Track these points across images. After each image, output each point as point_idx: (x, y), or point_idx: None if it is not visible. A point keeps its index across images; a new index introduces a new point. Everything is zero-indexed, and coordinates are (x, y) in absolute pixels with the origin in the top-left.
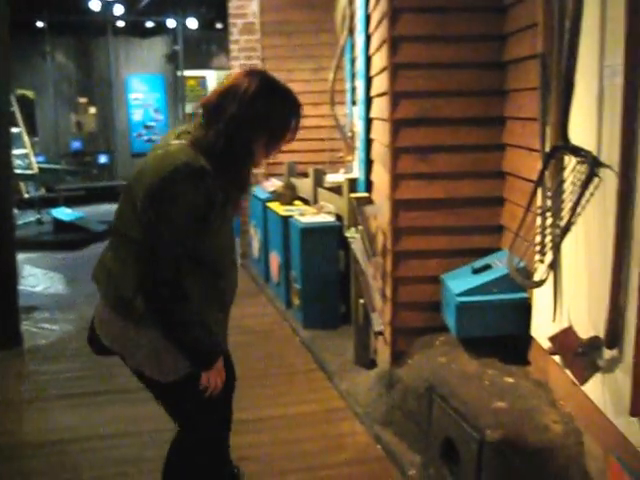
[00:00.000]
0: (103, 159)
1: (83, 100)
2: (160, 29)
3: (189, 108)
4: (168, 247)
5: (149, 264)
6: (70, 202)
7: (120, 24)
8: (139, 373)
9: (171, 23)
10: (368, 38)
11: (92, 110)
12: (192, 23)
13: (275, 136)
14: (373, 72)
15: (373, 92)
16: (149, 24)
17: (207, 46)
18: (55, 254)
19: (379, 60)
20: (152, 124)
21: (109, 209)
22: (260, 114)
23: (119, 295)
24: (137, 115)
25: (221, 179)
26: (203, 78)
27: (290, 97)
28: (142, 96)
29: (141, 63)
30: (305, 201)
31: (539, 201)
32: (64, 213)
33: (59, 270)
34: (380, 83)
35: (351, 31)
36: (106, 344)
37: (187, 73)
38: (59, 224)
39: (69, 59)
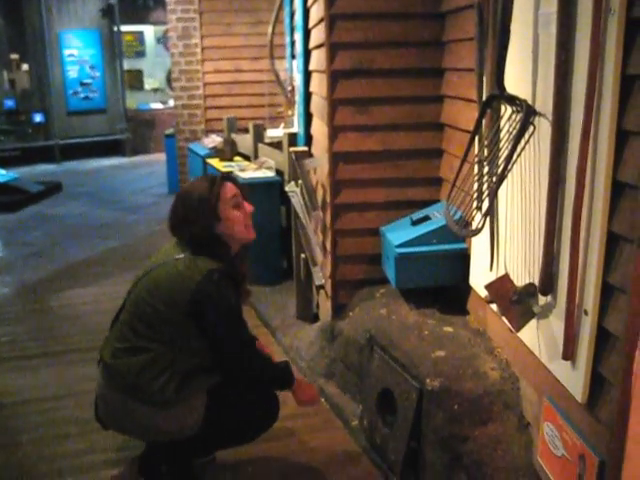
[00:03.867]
0: (38, 118)
1: (15, 57)
2: None
3: (127, 64)
4: (232, 339)
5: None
6: (4, 162)
7: None
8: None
9: None
10: None
11: (25, 67)
12: None
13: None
14: (311, 24)
15: (311, 44)
16: None
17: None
18: None
19: (317, 11)
20: (89, 81)
21: (45, 169)
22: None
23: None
24: (73, 72)
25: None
26: (141, 33)
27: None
28: (77, 52)
29: (75, 18)
30: (245, 157)
31: (476, 150)
32: None
33: None
34: (318, 35)
35: None
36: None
37: (124, 28)
38: None
39: None
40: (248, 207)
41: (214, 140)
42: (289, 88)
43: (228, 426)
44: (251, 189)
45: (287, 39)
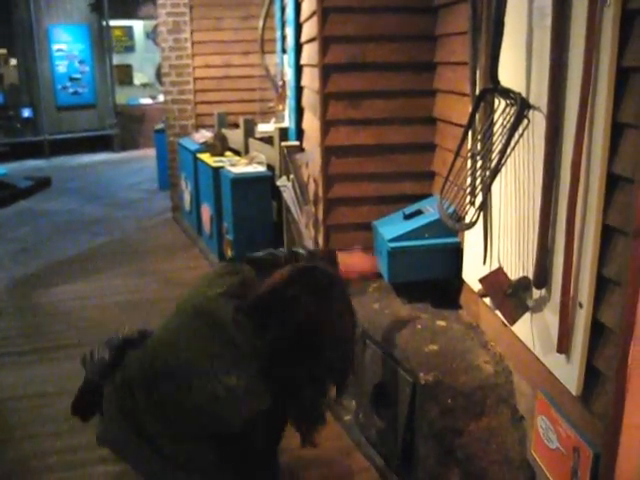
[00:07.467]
0: (27, 113)
1: (2, 51)
2: None
3: (116, 59)
4: None
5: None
6: None
7: None
8: None
9: None
10: None
11: (13, 62)
12: None
13: None
14: (303, 18)
15: (303, 38)
16: None
17: None
18: None
19: (309, 5)
20: (78, 76)
21: (34, 165)
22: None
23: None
24: (61, 67)
25: None
26: (130, 28)
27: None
28: (66, 47)
29: (64, 12)
30: (236, 152)
31: (469, 144)
32: None
33: None
34: (310, 28)
35: None
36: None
37: (113, 23)
38: None
39: None
40: None
41: (204, 135)
42: (280, 83)
43: None
44: (242, 184)
45: (278, 33)
